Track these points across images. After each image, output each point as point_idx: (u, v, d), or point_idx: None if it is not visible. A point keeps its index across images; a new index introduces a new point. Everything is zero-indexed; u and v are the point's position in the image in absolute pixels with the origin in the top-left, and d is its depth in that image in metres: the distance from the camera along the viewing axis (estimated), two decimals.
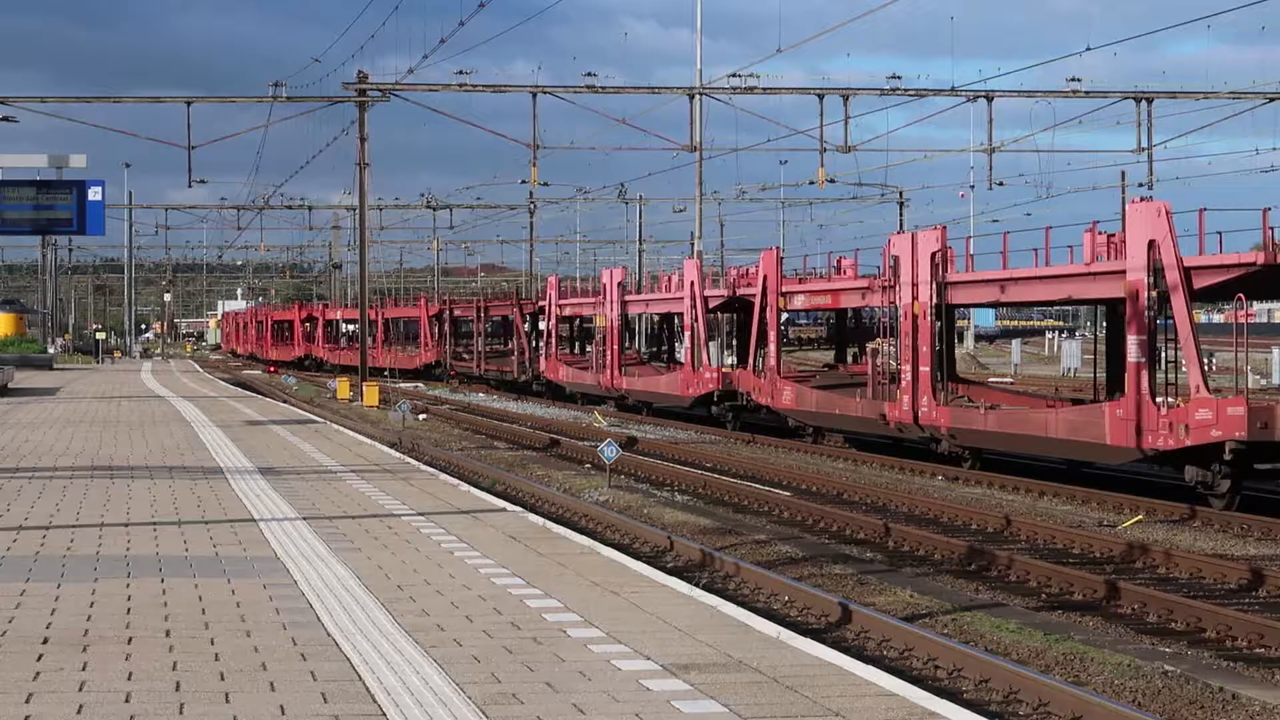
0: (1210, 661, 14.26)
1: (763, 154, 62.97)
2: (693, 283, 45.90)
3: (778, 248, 41.85)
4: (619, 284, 53.01)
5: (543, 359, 62.57)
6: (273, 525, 17.44)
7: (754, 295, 41.80)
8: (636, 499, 26.23)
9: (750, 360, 41.41)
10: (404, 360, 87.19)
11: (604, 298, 53.58)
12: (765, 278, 40.73)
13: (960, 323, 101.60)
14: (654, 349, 72.50)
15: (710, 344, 48.39)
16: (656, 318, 72.18)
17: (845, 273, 40.75)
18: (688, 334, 45.75)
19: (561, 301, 62.21)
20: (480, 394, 66.23)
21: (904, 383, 33.25)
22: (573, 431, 42.86)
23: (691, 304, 45.93)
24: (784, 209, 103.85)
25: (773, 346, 40.26)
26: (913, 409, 32.88)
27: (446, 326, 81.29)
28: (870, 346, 40.34)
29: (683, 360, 49.48)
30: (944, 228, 33.72)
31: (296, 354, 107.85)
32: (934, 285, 32.58)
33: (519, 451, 36.78)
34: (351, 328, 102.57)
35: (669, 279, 52.21)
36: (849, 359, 44.72)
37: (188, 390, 58.23)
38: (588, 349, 64.11)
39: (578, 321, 67.88)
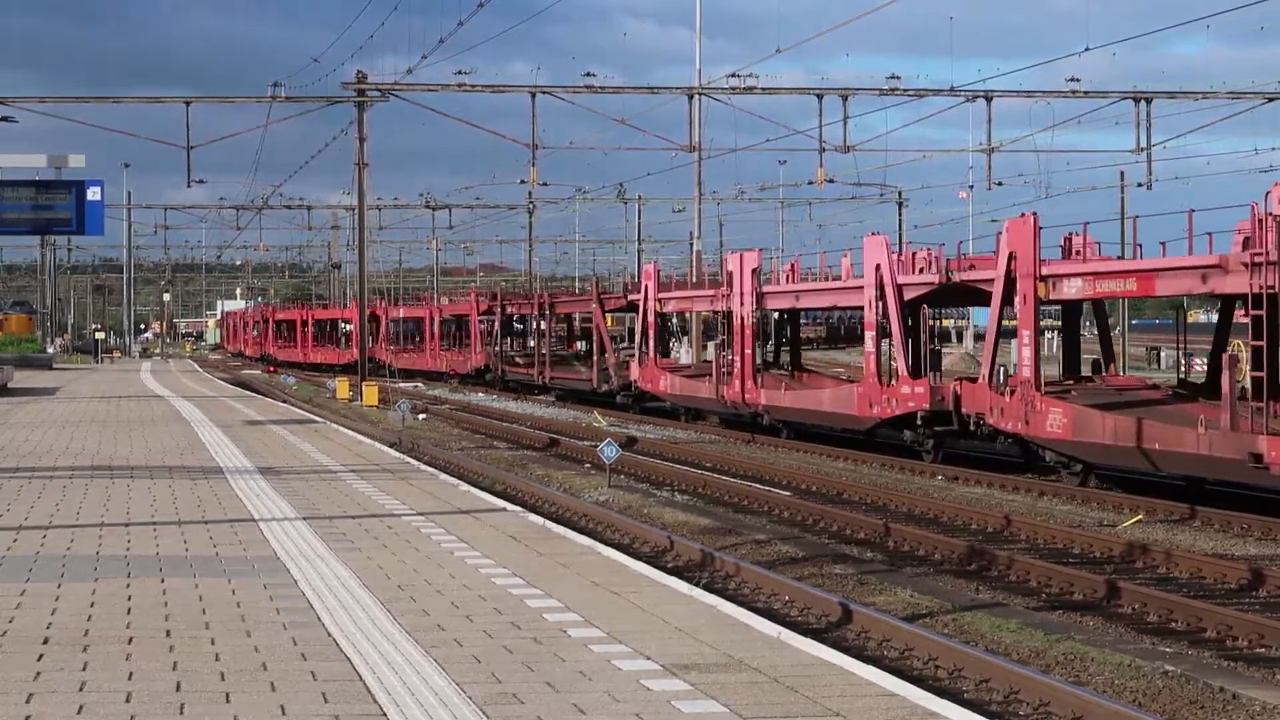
0: (1210, 661, 14.25)
1: (762, 154, 63.10)
2: (879, 266, 34.20)
3: (1034, 214, 29.41)
4: (754, 271, 41.23)
5: (634, 365, 50.52)
6: (273, 525, 17.44)
7: (986, 281, 31.00)
8: (636, 499, 26.23)
9: (989, 369, 30.64)
10: (455, 362, 77.24)
11: (732, 288, 42.21)
12: (1011, 256, 29.39)
13: (960, 323, 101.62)
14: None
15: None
16: (776, 313, 66.93)
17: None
18: (869, 334, 34.93)
19: (664, 294, 50.28)
20: (480, 394, 66.15)
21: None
22: (573, 431, 42.86)
23: (878, 295, 34.36)
24: (783, 209, 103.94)
25: (1028, 351, 28.99)
26: None
27: (498, 326, 70.34)
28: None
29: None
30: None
31: (351, 356, 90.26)
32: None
33: (519, 451, 36.78)
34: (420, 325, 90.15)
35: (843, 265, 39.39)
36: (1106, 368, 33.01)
37: (187, 390, 58.23)
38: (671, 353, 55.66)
39: (673, 320, 59.08)
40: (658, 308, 49.79)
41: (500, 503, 20.25)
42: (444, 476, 24.03)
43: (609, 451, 27.56)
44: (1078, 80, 50.72)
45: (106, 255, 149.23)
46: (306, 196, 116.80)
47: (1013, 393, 29.21)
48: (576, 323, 78.69)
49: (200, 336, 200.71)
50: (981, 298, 32.64)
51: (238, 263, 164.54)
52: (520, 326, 76.59)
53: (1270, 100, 51.94)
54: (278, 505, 19.46)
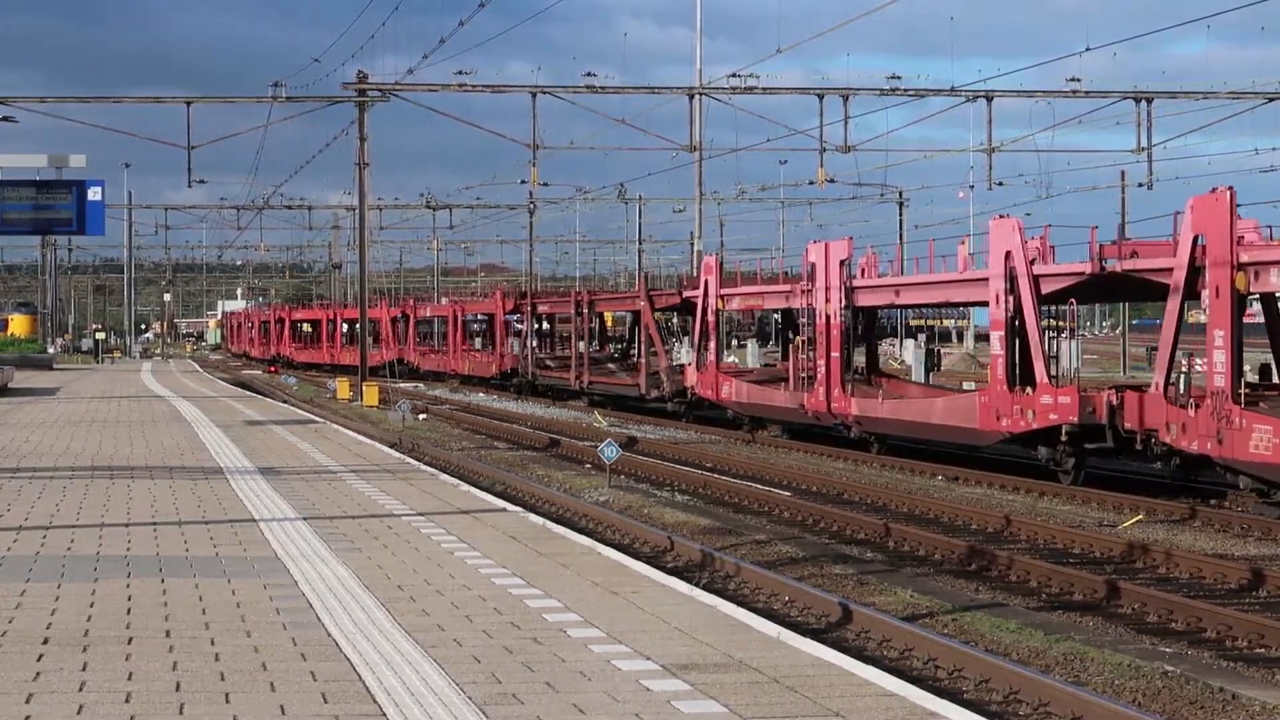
0: (1210, 661, 14.26)
1: (762, 154, 62.96)
2: (1010, 255, 29.38)
3: (1230, 189, 24.38)
4: (843, 262, 36.32)
5: (690, 370, 45.48)
6: (273, 525, 17.44)
7: (1158, 271, 26.36)
8: (637, 499, 26.23)
9: (1165, 376, 25.78)
10: (479, 365, 71.92)
11: (814, 282, 37.34)
12: (1196, 241, 24.87)
13: (960, 323, 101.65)
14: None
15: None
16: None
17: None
18: (996, 334, 30.00)
19: (728, 290, 44.74)
20: (480, 394, 66.14)
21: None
22: (573, 431, 42.85)
23: (1007, 288, 29.46)
24: (784, 209, 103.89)
25: (1221, 356, 24.19)
26: None
27: (527, 326, 64.60)
28: None
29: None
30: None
31: (386, 357, 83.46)
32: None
33: (519, 451, 36.78)
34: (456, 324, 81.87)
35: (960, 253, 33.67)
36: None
37: (187, 390, 58.24)
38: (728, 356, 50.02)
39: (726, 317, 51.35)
40: (719, 305, 44.26)
41: (500, 503, 20.25)
42: (444, 477, 24.03)
43: (609, 452, 27.56)
44: (1078, 80, 50.70)
45: (107, 255, 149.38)
46: (307, 196, 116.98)
47: (1198, 406, 24.59)
48: (608, 323, 75.20)
49: (201, 337, 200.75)
50: (1146, 291, 28.85)
51: (238, 263, 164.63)
52: (541, 327, 70.96)
53: (1270, 100, 51.92)
54: (278, 505, 19.46)
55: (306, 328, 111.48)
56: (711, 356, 43.80)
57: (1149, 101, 51.70)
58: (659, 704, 9.22)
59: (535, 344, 64.59)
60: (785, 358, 44.33)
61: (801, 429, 39.12)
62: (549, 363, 63.24)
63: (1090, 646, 14.35)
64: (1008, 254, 29.44)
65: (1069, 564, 19.47)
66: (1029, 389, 29.04)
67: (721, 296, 44.08)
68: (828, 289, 36.60)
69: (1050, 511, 24.94)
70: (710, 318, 44.10)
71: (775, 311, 44.42)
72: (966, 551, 20.04)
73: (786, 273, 47.06)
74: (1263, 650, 14.63)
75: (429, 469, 25.51)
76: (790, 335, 46.38)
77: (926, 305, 54.15)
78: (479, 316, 79.11)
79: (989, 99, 51.82)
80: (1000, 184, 58.15)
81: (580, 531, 18.93)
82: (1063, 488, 27.35)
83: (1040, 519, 23.57)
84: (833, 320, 36.27)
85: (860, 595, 16.94)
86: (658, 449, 36.91)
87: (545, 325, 70.66)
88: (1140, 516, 23.96)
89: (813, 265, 37.55)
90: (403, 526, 17.44)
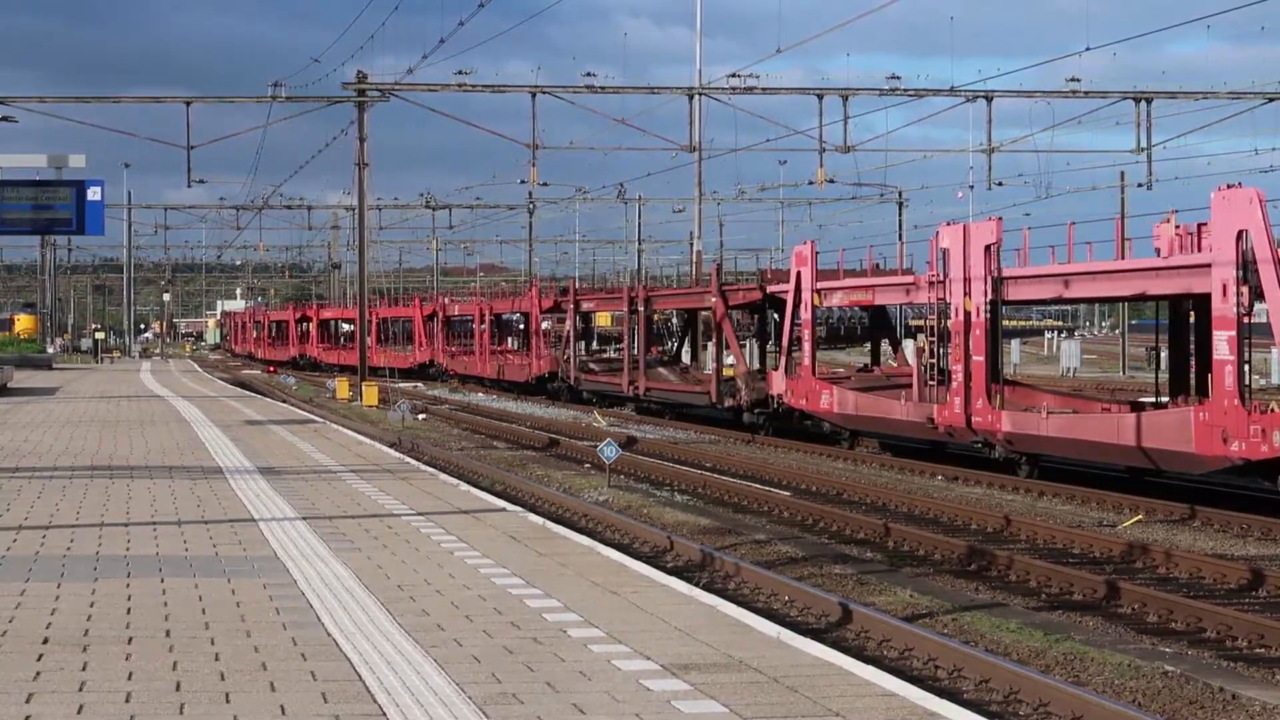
0: (1210, 661, 14.26)
1: (762, 154, 62.98)
2: (1246, 234, 23.69)
3: None
4: (990, 248, 30.43)
5: (775, 376, 39.92)
6: (272, 525, 17.44)
7: None
8: (636, 499, 26.23)
9: None
10: (512, 368, 66.20)
11: (948, 273, 31.59)
12: None
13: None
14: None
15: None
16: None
17: None
18: (1222, 335, 24.11)
19: (828, 283, 39.01)
20: (480, 394, 66.11)
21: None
22: (572, 431, 42.85)
23: (1240, 275, 23.82)
24: (783, 209, 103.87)
25: None
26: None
27: (570, 325, 59.10)
28: None
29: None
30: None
31: (420, 358, 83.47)
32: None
33: (519, 451, 36.78)
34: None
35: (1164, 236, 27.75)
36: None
37: (187, 390, 58.24)
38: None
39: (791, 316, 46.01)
40: (816, 301, 38.61)
41: (500, 503, 20.25)
42: (444, 476, 24.02)
43: (609, 451, 27.56)
44: (1078, 80, 50.72)
45: (106, 255, 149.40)
46: (306, 196, 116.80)
47: None
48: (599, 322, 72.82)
49: (200, 337, 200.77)
50: None
51: (238, 263, 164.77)
52: (585, 327, 66.30)
53: (1270, 100, 51.94)
54: (277, 505, 19.46)
55: (347, 326, 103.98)
56: (807, 360, 38.18)
57: (1149, 101, 51.72)
58: (659, 704, 9.22)
59: (577, 346, 59.03)
60: (876, 361, 42.24)
61: (923, 446, 34.37)
62: (593, 366, 58.76)
63: (1090, 646, 14.35)
64: (1241, 234, 23.76)
65: (1069, 564, 19.47)
66: (1276, 405, 23.95)
67: (819, 291, 38.56)
68: (968, 279, 30.75)
69: (1050, 511, 24.94)
70: (804, 314, 38.70)
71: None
72: (966, 551, 20.04)
73: (877, 265, 41.76)
74: (1263, 650, 14.63)
75: (429, 469, 25.50)
76: (888, 337, 43.18)
77: (1103, 299, 42.28)
78: (516, 315, 74.03)
79: (989, 99, 51.84)
80: (1000, 184, 58.15)
81: (580, 531, 18.92)
82: (1063, 487, 27.29)
83: (1040, 519, 23.56)
84: (975, 317, 30.55)
85: (860, 595, 16.94)
86: (657, 449, 36.90)
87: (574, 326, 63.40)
88: (1140, 516, 23.96)
89: (944, 251, 31.66)
90: (402, 526, 17.43)
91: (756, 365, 46.48)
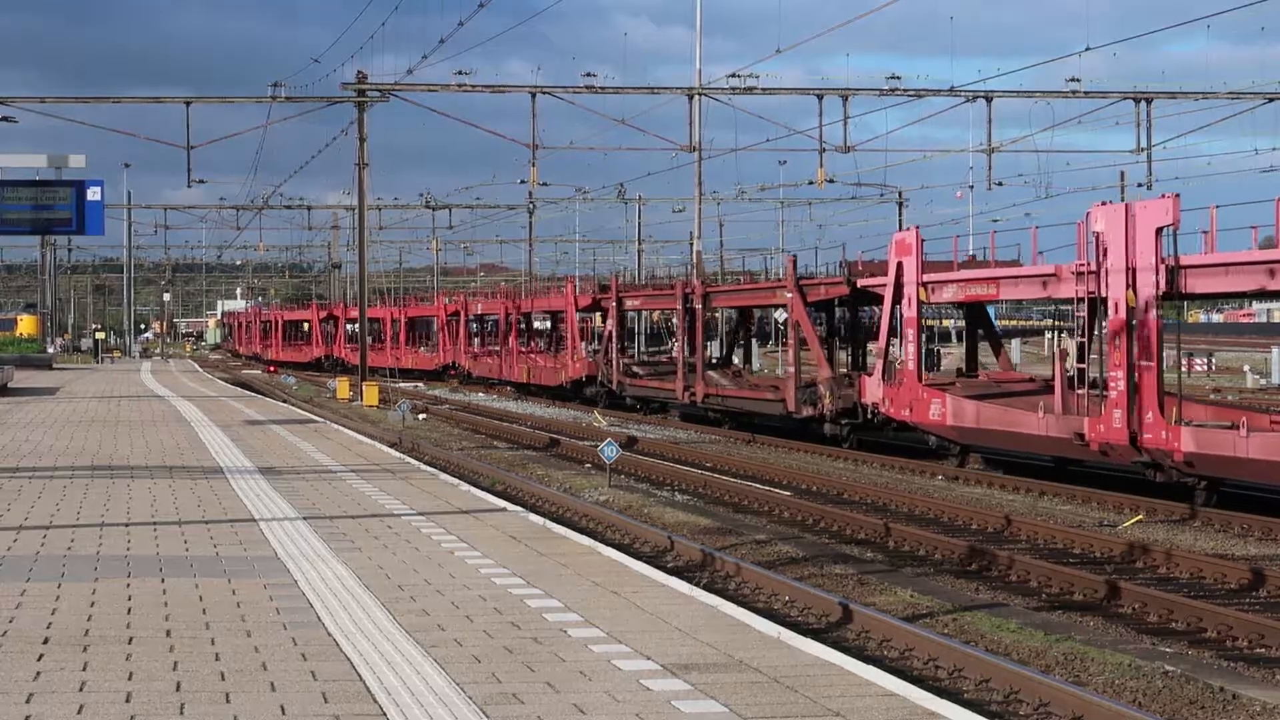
0: (1210, 661, 14.26)
1: (762, 154, 63.05)
2: None
3: None
4: (1160, 230, 25.55)
5: (868, 381, 35.33)
6: (273, 525, 17.44)
7: None
8: (637, 499, 26.23)
9: None
10: (543, 371, 61.26)
11: (1104, 261, 26.73)
12: None
13: (946, 322, 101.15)
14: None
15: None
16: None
17: None
18: None
19: (937, 275, 33.75)
20: (480, 394, 66.08)
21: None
22: (573, 431, 42.84)
23: None
24: (783, 209, 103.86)
25: None
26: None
27: (611, 325, 54.84)
28: None
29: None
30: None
31: (442, 360, 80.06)
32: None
33: (519, 451, 36.78)
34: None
35: None
36: None
37: (187, 390, 58.23)
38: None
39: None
40: (923, 295, 33.31)
41: (500, 503, 20.25)
42: (444, 476, 24.03)
43: (609, 451, 27.56)
44: (1078, 80, 50.69)
45: (106, 255, 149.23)
46: (306, 196, 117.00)
47: None
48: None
49: (200, 336, 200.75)
50: None
51: (238, 263, 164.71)
52: (625, 326, 61.66)
53: (1270, 100, 51.92)
54: (278, 505, 19.46)
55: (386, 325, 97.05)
56: (911, 365, 33.09)
57: (1149, 101, 51.70)
58: (659, 704, 9.22)
59: (620, 347, 54.13)
60: (973, 365, 36.77)
61: (1048, 464, 30.11)
62: (636, 369, 53.24)
63: (1090, 646, 14.35)
64: None
65: (1069, 564, 19.47)
66: None
67: (926, 285, 33.29)
68: (1132, 270, 25.94)
69: (1050, 511, 24.94)
70: (908, 311, 33.50)
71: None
72: (966, 551, 20.04)
73: (974, 256, 37.00)
74: (1263, 650, 14.63)
75: (429, 468, 25.50)
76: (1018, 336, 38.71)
77: None
78: (558, 313, 68.51)
79: (988, 99, 51.83)
80: (1000, 184, 58.16)
81: (580, 531, 18.93)
82: (1063, 487, 27.26)
83: (1040, 519, 23.56)
84: (1142, 314, 25.86)
85: (860, 595, 16.94)
86: (658, 449, 36.91)
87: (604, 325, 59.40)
88: (1140, 516, 23.96)
89: (1097, 235, 26.83)
90: (403, 526, 17.43)
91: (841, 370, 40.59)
